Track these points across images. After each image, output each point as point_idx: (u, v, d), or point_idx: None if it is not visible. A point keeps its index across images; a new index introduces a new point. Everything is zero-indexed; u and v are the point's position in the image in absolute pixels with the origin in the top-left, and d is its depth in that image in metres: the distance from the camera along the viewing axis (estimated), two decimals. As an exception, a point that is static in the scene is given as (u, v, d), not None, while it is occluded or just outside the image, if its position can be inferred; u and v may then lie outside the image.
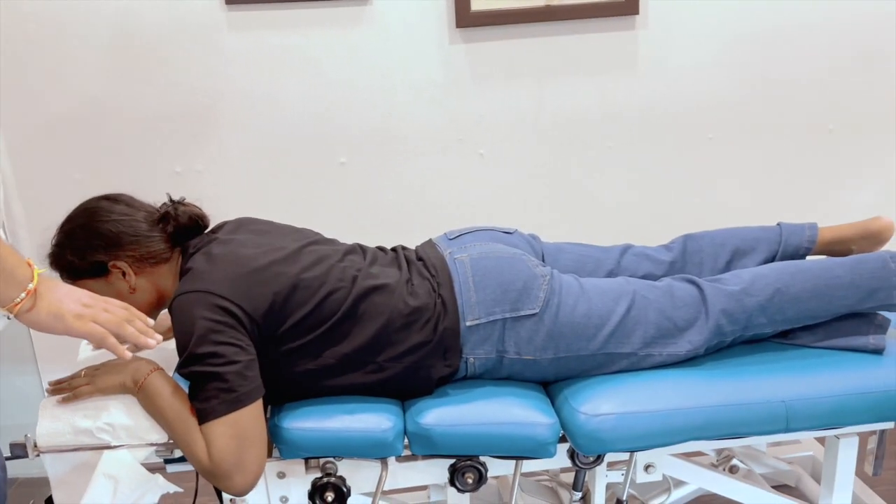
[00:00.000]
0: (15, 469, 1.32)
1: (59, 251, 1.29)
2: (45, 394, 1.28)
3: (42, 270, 1.01)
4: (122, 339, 1.10)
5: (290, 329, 1.23)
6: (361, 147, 2.03)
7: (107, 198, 1.33)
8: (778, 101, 2.12)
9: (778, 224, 1.57)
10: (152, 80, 1.93)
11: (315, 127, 2.00)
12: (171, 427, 1.19)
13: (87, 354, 1.44)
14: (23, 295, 0.97)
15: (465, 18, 1.93)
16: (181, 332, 1.17)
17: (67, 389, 1.24)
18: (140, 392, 1.22)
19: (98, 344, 1.08)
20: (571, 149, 2.09)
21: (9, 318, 1.00)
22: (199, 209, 1.37)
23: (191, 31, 1.90)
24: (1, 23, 1.86)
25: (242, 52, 1.93)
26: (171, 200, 1.36)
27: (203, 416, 1.15)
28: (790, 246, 1.53)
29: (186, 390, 1.20)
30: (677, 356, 1.33)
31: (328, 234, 1.48)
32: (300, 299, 1.23)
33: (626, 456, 1.36)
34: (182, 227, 1.32)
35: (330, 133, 2.01)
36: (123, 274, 1.28)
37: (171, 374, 1.29)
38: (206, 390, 1.15)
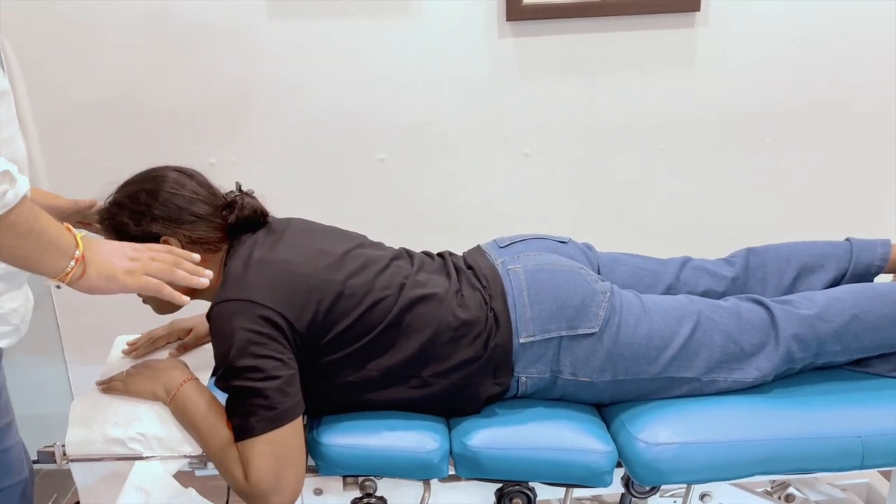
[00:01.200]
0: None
1: (116, 210, 1.22)
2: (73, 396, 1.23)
3: (82, 233, 0.98)
4: (174, 285, 1.06)
5: (333, 339, 1.16)
6: (402, 143, 1.95)
7: (179, 170, 1.27)
8: (842, 107, 2.01)
9: (847, 239, 1.47)
10: (189, 68, 1.86)
11: (354, 121, 1.93)
12: (205, 441, 1.13)
13: (117, 354, 1.39)
14: (72, 263, 0.94)
15: (517, 11, 1.84)
16: (220, 344, 1.11)
17: (106, 386, 1.22)
18: (172, 403, 1.16)
19: (155, 295, 1.04)
20: (622, 150, 2.00)
21: (59, 286, 0.97)
22: (261, 205, 1.30)
23: (230, 17, 1.83)
24: (33, 8, 1.80)
25: (282, 41, 1.85)
26: (239, 190, 1.30)
27: (241, 434, 1.08)
28: (861, 263, 1.43)
29: (222, 401, 1.14)
30: (743, 383, 1.24)
31: (364, 232, 1.41)
32: (345, 308, 1.16)
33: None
34: (243, 220, 1.25)
35: (369, 127, 1.93)
36: None
37: (206, 379, 1.23)
38: (245, 406, 1.08)
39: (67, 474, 1.21)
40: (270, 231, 1.27)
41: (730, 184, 2.04)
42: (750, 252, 1.46)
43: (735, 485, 1.35)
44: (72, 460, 1.16)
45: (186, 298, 1.08)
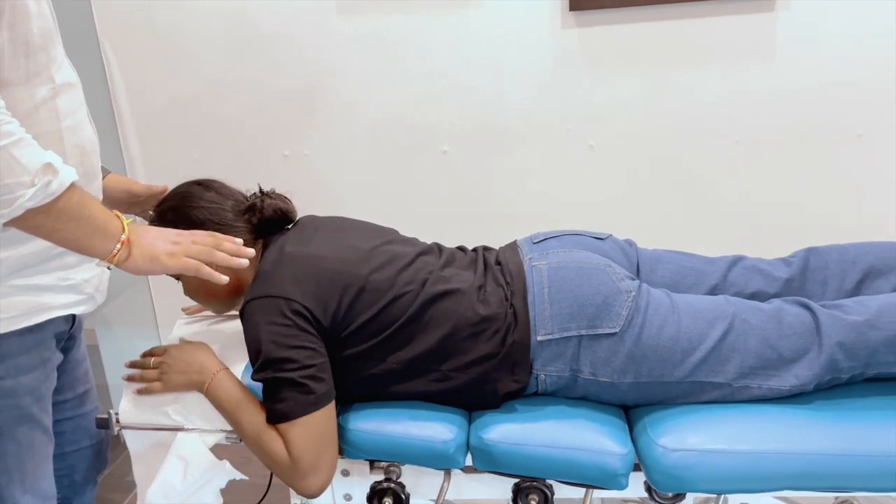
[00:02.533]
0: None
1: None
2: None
3: (130, 220, 1.07)
4: (214, 265, 1.14)
5: (355, 332, 1.20)
6: (465, 135, 1.97)
7: (199, 183, 1.35)
8: (946, 95, 1.82)
9: (926, 241, 1.34)
10: (264, 65, 1.97)
11: (419, 113, 1.96)
12: (241, 428, 1.20)
13: (180, 332, 1.50)
14: (118, 246, 1.04)
15: (580, 1, 1.80)
16: (253, 338, 1.17)
17: (138, 379, 1.28)
18: (208, 392, 1.23)
19: (195, 274, 1.12)
20: (692, 144, 1.91)
21: (109, 268, 1.08)
22: (286, 203, 1.35)
23: (302, 15, 1.91)
24: (128, 13, 1.96)
25: (350, 37, 1.92)
26: (260, 192, 1.36)
27: (281, 417, 1.15)
28: (938, 268, 1.31)
29: (255, 392, 1.22)
30: (779, 391, 1.17)
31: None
32: (367, 302, 1.20)
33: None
34: (266, 221, 1.31)
35: (433, 120, 1.96)
36: None
37: (233, 360, 1.29)
38: (283, 393, 1.14)
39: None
40: (307, 228, 1.32)
41: (811, 179, 1.91)
42: (810, 252, 1.37)
43: (783, 497, 1.28)
44: (123, 427, 1.27)
45: (225, 278, 1.15)
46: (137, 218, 1.39)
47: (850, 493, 1.16)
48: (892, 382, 1.22)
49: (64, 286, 1.10)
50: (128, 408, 1.27)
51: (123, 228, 1.05)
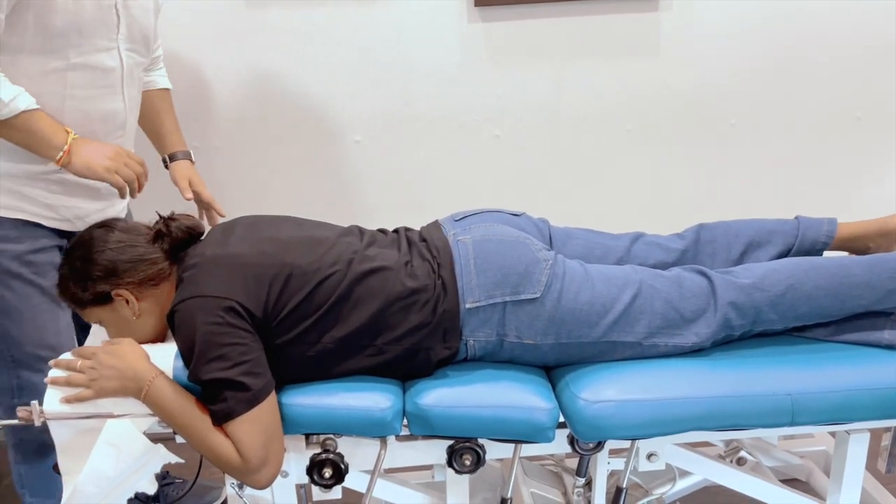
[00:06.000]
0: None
1: (64, 283, 1.29)
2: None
3: (76, 136, 1.38)
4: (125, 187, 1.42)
5: (287, 317, 1.23)
6: (376, 125, 2.02)
7: (101, 225, 1.32)
8: (806, 88, 2.06)
9: (796, 217, 1.52)
10: (175, 56, 1.94)
11: (331, 104, 2.00)
12: (187, 431, 1.19)
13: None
14: (60, 154, 1.36)
15: (485, -3, 1.91)
16: (184, 342, 1.18)
17: (63, 383, 1.24)
18: (146, 400, 1.21)
19: (115, 186, 1.41)
20: (589, 132, 2.06)
21: (59, 169, 1.40)
22: (191, 219, 1.35)
23: (211, 6, 1.90)
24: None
25: (263, 30, 1.93)
26: (160, 217, 1.34)
27: (225, 417, 1.16)
28: (807, 240, 1.49)
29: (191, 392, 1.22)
30: (682, 347, 1.31)
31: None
32: (295, 287, 1.23)
33: (628, 443, 1.35)
34: (178, 242, 1.31)
35: (346, 111, 2.01)
36: (127, 301, 1.27)
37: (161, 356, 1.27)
38: (222, 393, 1.16)
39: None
40: (219, 234, 1.33)
41: (695, 163, 2.10)
42: (701, 227, 1.52)
43: (687, 447, 1.42)
44: (48, 418, 1.24)
45: (127, 198, 1.43)
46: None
47: (742, 430, 1.31)
48: (774, 337, 1.39)
49: (45, 203, 1.43)
50: (53, 396, 1.24)
51: (66, 141, 1.36)
